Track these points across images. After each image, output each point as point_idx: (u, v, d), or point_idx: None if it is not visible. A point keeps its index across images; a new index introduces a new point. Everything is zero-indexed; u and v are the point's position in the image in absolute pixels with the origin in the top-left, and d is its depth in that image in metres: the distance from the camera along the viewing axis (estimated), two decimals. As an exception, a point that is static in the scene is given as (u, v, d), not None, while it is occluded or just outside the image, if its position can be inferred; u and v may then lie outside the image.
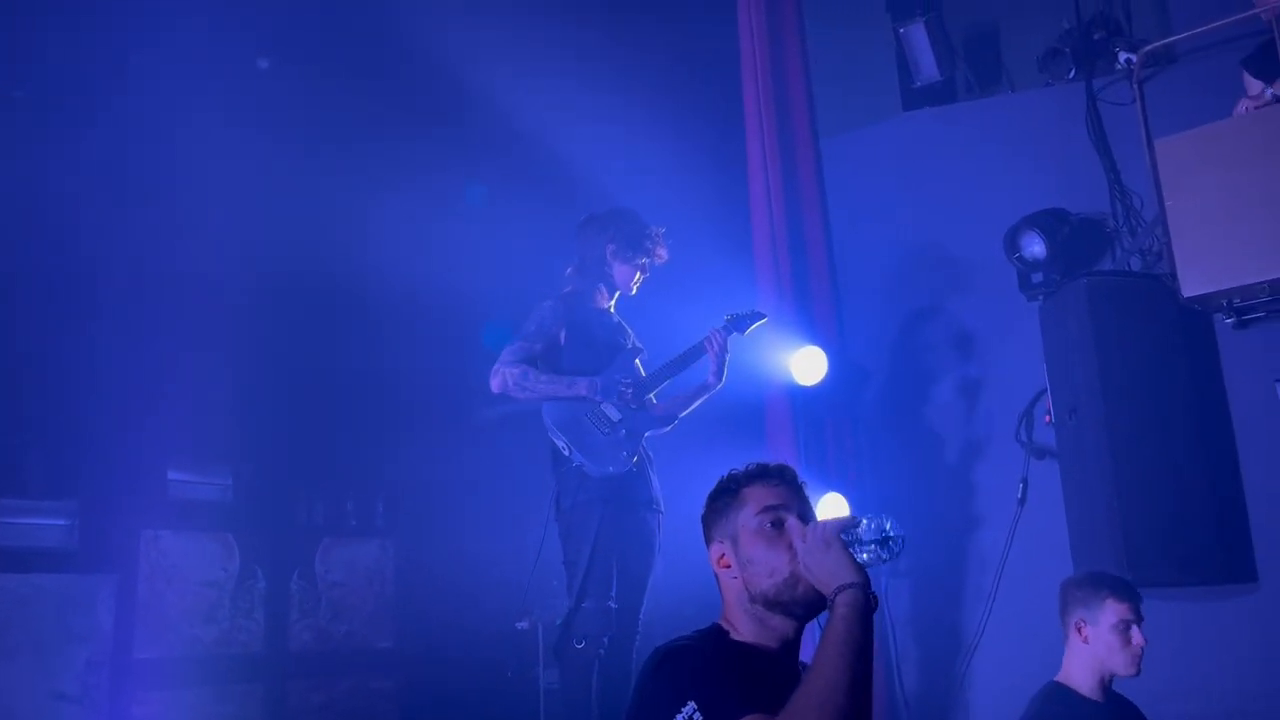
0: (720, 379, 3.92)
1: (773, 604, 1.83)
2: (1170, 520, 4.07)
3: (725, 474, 1.98)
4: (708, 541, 1.96)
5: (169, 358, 4.52)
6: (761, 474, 1.94)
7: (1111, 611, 3.00)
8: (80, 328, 4.39)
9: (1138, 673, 3.00)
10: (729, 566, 1.89)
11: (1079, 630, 3.04)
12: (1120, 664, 2.99)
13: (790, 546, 1.82)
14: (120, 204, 4.43)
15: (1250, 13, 3.94)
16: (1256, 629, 4.08)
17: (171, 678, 4.55)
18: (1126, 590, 3.05)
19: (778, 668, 1.83)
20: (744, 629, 1.86)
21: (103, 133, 4.42)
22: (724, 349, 3.90)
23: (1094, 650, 3.01)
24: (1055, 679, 3.10)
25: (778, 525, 1.86)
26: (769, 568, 1.83)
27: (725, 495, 1.94)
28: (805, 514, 1.90)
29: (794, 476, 1.95)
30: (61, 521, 4.42)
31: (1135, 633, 2.99)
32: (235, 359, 4.71)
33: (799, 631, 1.88)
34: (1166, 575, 4.11)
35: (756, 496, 1.90)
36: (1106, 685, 3.04)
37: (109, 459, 4.46)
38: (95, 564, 4.45)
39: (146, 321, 4.55)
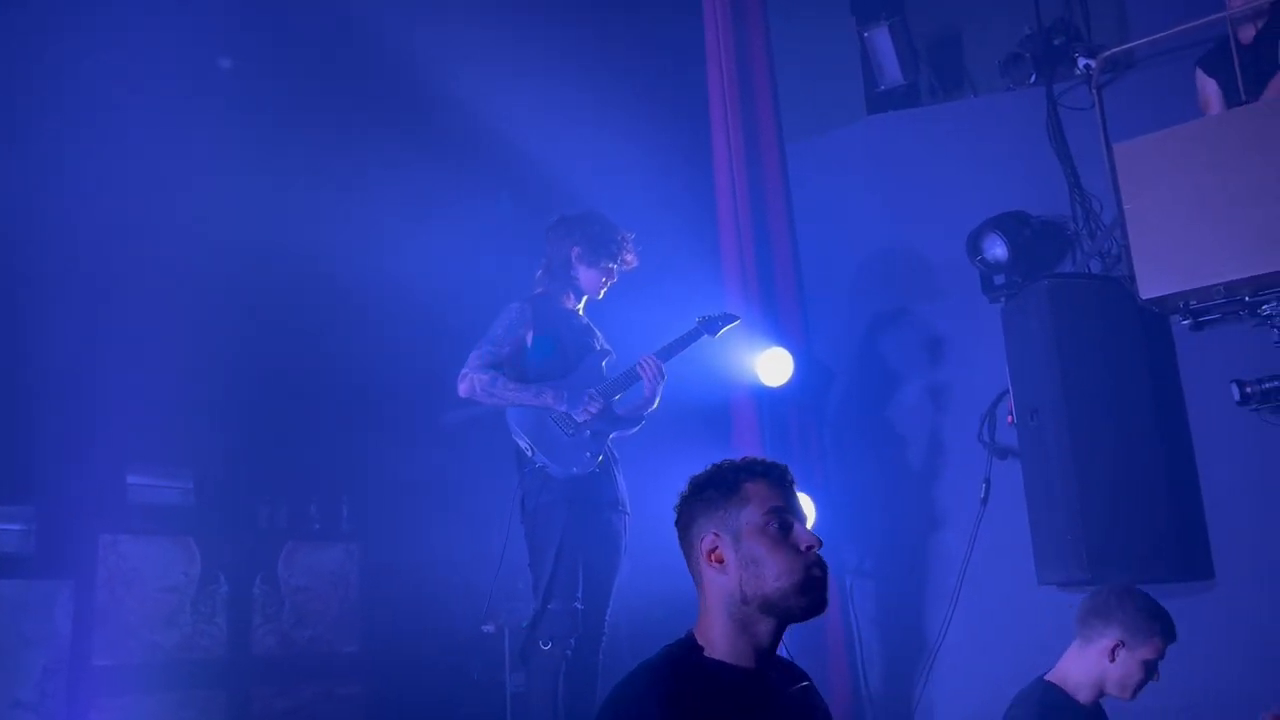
0: (652, 404, 3.90)
1: (771, 607, 1.79)
2: (1129, 519, 4.14)
3: (717, 464, 1.92)
4: (690, 533, 1.89)
5: (128, 358, 4.45)
6: (764, 471, 1.89)
7: (1153, 649, 2.94)
8: (36, 327, 4.31)
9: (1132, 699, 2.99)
10: (722, 562, 1.82)
11: (1112, 648, 2.95)
12: (1127, 693, 2.96)
13: (798, 550, 1.80)
14: (77, 203, 4.36)
15: (1214, 17, 4.01)
16: (1214, 625, 4.14)
17: (131, 684, 4.47)
18: (1173, 634, 2.99)
19: (749, 688, 1.78)
20: (720, 638, 1.80)
21: (62, 131, 4.34)
22: (659, 375, 3.86)
23: (1114, 672, 2.95)
24: (1046, 678, 3.04)
25: (785, 528, 1.82)
26: (776, 570, 1.78)
27: (721, 488, 1.87)
28: (802, 518, 1.88)
29: (792, 478, 1.92)
30: (17, 526, 4.34)
31: (1158, 673, 2.97)
32: (197, 360, 4.64)
33: (778, 637, 1.84)
34: (1125, 573, 4.15)
35: (761, 495, 1.85)
36: (1099, 699, 3.02)
37: (66, 462, 4.37)
38: (52, 569, 4.36)
39: (105, 321, 4.48)
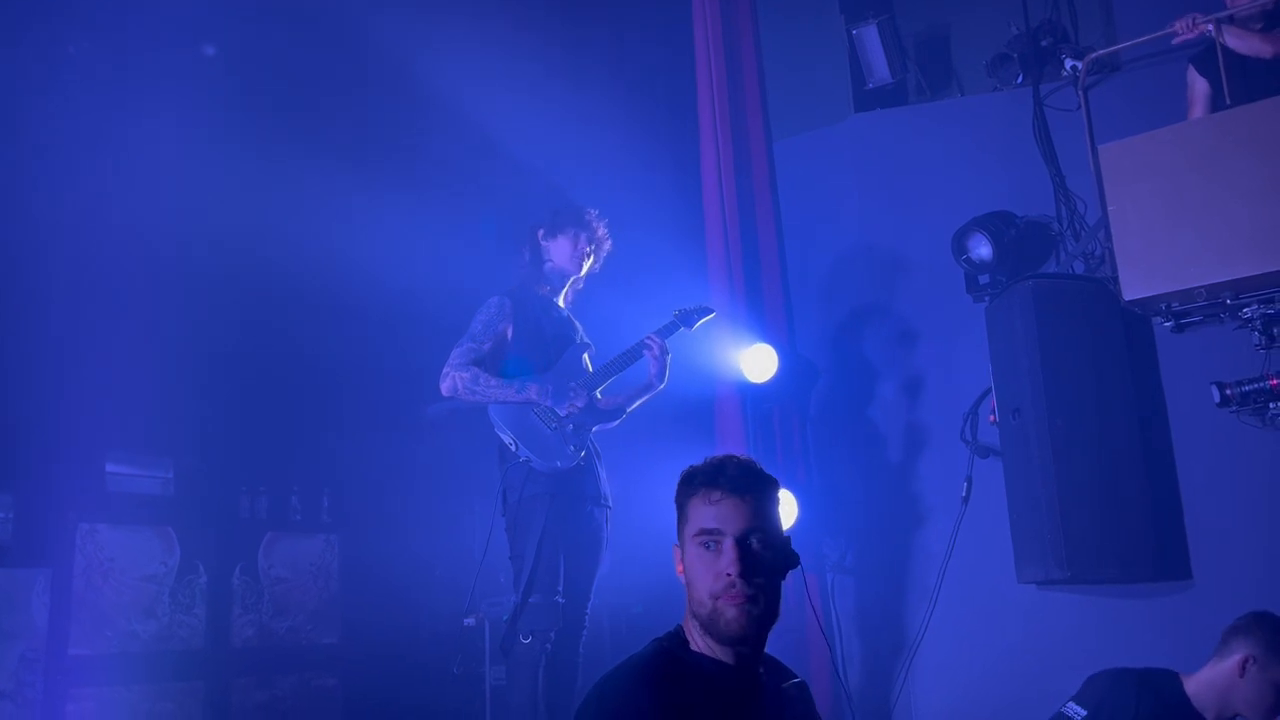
0: (663, 380, 3.94)
1: (705, 628, 1.78)
2: (1109, 519, 4.16)
3: (689, 466, 1.88)
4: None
5: (109, 347, 4.41)
6: (709, 482, 1.80)
7: None
8: (15, 314, 4.27)
9: None
10: (681, 571, 1.84)
11: (1243, 663, 2.92)
12: (1259, 714, 2.91)
13: (720, 575, 1.74)
14: (58, 190, 4.32)
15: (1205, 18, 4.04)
16: (1191, 625, 4.17)
17: (109, 674, 4.44)
18: None
19: (732, 682, 1.78)
20: (697, 636, 1.81)
21: (41, 119, 4.30)
22: (664, 351, 3.91)
23: (1244, 689, 2.91)
24: (1181, 676, 3.01)
25: (713, 547, 1.76)
26: (699, 595, 1.77)
27: (679, 496, 1.86)
28: (756, 526, 1.76)
29: (745, 483, 1.80)
30: (-6, 514, 4.31)
31: None
32: (178, 349, 4.61)
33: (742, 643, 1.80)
34: (1105, 573, 4.20)
35: (699, 512, 1.79)
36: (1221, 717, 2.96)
37: (45, 450, 4.34)
38: (29, 558, 4.32)
39: (85, 309, 4.44)
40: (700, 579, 1.77)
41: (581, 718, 1.73)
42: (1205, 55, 4.28)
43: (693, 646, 1.81)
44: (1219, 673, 2.96)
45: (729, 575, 1.74)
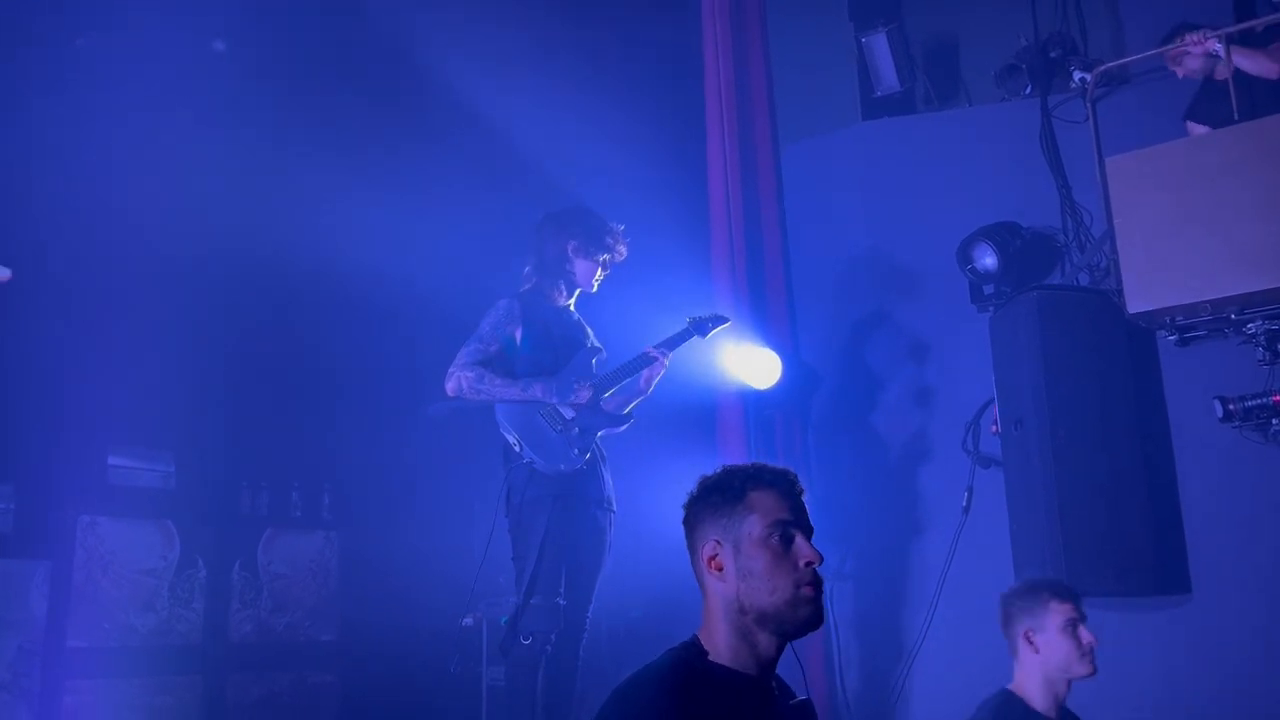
0: (646, 392, 3.93)
1: (767, 620, 1.77)
2: (1109, 531, 4.16)
3: (727, 468, 1.88)
4: (694, 536, 1.86)
5: (112, 340, 4.42)
6: (771, 481, 1.84)
7: (1056, 613, 2.96)
8: (21, 307, 4.28)
9: (1094, 671, 2.94)
10: (721, 570, 1.80)
11: (1029, 640, 2.98)
12: (1076, 665, 2.94)
13: (797, 566, 1.77)
14: (62, 184, 4.32)
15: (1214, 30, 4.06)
16: (1189, 639, 4.18)
17: (106, 667, 4.44)
18: (1066, 590, 3.03)
19: (751, 695, 1.76)
20: (723, 645, 1.78)
21: (47, 113, 4.31)
22: (663, 367, 3.90)
23: (1046, 658, 2.95)
24: (1008, 687, 3.04)
25: (787, 542, 1.79)
26: (772, 585, 1.76)
27: (725, 494, 1.83)
28: (808, 529, 1.83)
29: (800, 489, 1.86)
30: (-5, 504, 4.31)
31: (1083, 631, 2.96)
32: (181, 344, 4.62)
33: (780, 650, 1.81)
34: (1104, 585, 4.19)
35: (765, 505, 1.80)
36: (1061, 700, 2.99)
37: (47, 442, 4.35)
38: (30, 549, 4.33)
39: (91, 303, 4.45)
40: (773, 571, 1.77)
41: None
42: (1198, 104, 4.33)
43: (712, 657, 1.78)
44: (1023, 664, 3.00)
45: (811, 563, 1.78)
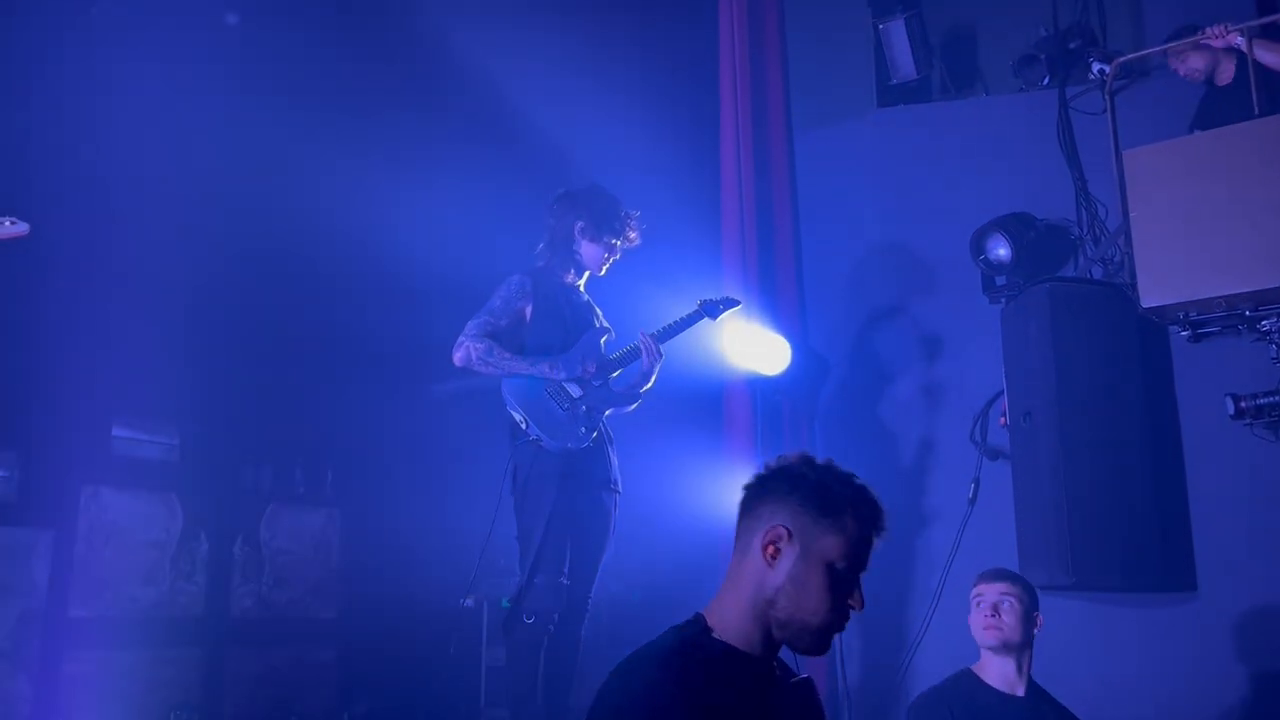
0: (648, 382, 3.88)
1: (789, 628, 1.77)
2: (1116, 527, 4.13)
3: (835, 468, 1.84)
4: (760, 508, 1.82)
5: (118, 311, 4.41)
6: (871, 517, 1.81)
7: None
8: (26, 277, 4.26)
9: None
10: (775, 558, 1.77)
11: None
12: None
13: (844, 604, 1.77)
14: (68, 156, 4.30)
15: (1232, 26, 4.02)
16: (1194, 637, 4.15)
17: (107, 638, 4.45)
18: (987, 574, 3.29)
19: (752, 674, 1.76)
20: (734, 623, 1.77)
21: (59, 80, 4.29)
22: (656, 355, 3.85)
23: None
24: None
25: (850, 577, 1.78)
26: (816, 606, 1.75)
27: (824, 497, 1.79)
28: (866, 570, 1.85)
29: (887, 531, 1.86)
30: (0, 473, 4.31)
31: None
32: (187, 317, 4.61)
33: (781, 646, 1.83)
34: (1110, 581, 4.17)
35: (853, 535, 1.78)
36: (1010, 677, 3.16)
37: (52, 411, 4.34)
38: (32, 517, 4.33)
39: (97, 273, 4.43)
40: (824, 596, 1.77)
41: (604, 704, 1.70)
42: (1201, 114, 4.29)
43: (716, 634, 1.77)
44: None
45: (855, 609, 1.81)
